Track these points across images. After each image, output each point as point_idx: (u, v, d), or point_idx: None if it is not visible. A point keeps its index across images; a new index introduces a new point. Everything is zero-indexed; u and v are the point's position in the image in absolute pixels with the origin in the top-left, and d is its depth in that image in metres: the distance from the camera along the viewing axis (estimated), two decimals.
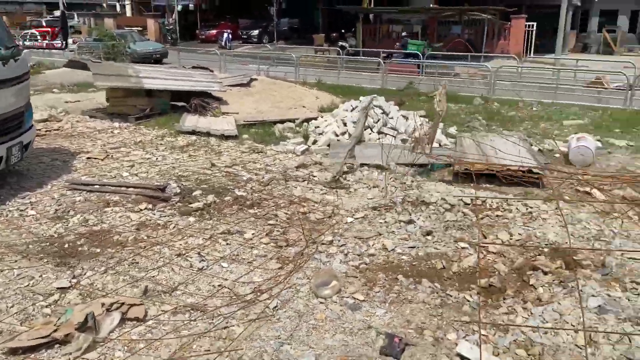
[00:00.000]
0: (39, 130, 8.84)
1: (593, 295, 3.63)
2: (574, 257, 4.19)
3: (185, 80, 10.78)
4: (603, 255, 4.24)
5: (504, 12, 24.18)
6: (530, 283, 3.84)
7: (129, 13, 42.64)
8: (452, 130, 9.06)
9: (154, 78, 10.20)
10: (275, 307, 3.48)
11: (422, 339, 3.14)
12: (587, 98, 12.63)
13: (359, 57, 20.06)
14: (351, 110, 8.97)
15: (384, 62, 15.44)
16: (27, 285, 3.67)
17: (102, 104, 11.69)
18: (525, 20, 24.28)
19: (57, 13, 46.50)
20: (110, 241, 4.47)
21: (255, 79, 13.25)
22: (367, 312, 3.44)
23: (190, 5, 35.22)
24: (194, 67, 15.80)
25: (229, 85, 11.94)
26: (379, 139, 8.15)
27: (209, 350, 2.98)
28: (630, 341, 3.09)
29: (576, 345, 3.08)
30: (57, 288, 3.64)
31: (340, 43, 26.60)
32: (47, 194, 5.59)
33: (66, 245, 4.34)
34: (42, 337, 2.90)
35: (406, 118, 8.90)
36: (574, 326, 3.25)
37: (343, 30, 28.64)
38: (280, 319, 3.35)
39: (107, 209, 5.21)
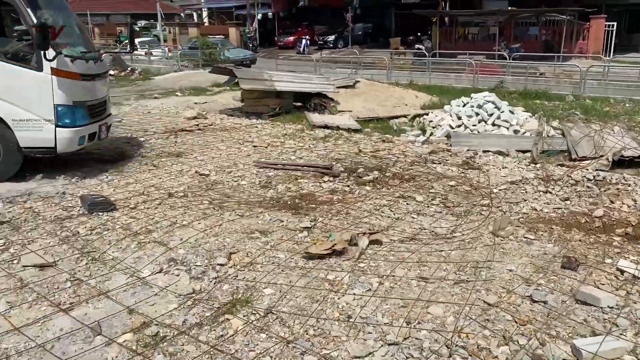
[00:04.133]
0: (197, 125, 10.58)
1: None
2: None
3: (306, 83, 12.31)
4: None
5: (582, 12, 24.58)
6: None
7: (206, 21, 45.40)
8: (555, 123, 10.09)
9: (283, 81, 11.78)
10: (469, 241, 4.78)
11: (588, 260, 4.35)
12: None
13: (445, 59, 21.10)
14: (463, 106, 10.17)
15: (475, 63, 16.50)
16: (282, 224, 5.14)
17: (228, 104, 13.46)
18: (605, 20, 24.57)
19: (142, 23, 49.98)
20: (318, 201, 5.91)
21: (358, 81, 14.65)
22: (539, 246, 4.68)
23: (269, 13, 37.29)
24: (287, 71, 17.47)
25: (338, 87, 13.38)
26: (492, 130, 9.33)
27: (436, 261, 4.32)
28: None
29: None
30: (303, 227, 5.07)
31: (417, 46, 27.72)
32: (246, 171, 7.14)
33: (289, 202, 5.82)
34: (327, 249, 4.32)
35: (512, 112, 10.01)
36: None
37: (419, 34, 29.73)
38: (476, 248, 4.64)
39: (298, 180, 6.69)
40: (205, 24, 42.69)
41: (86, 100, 6.73)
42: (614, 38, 24.67)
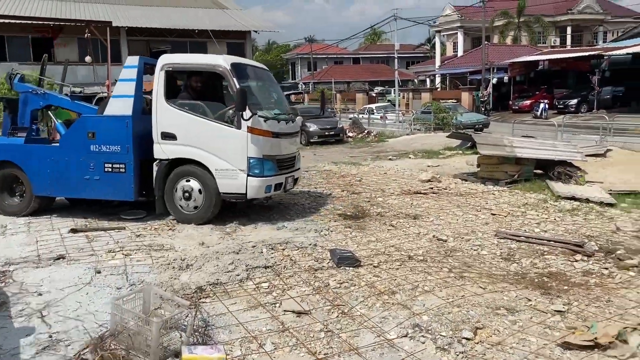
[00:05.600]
0: (432, 188, 10.70)
1: None
2: None
3: (549, 150, 11.57)
4: None
5: None
6: None
7: (439, 87, 46.46)
8: None
9: (525, 148, 11.27)
10: None
11: None
12: None
13: None
14: None
15: None
16: (530, 303, 4.77)
17: (462, 168, 13.33)
18: None
19: (378, 89, 53.44)
20: (570, 282, 5.36)
21: (610, 150, 13.23)
22: None
23: (504, 78, 36.52)
24: (523, 136, 16.60)
25: (587, 155, 12.25)
26: None
27: None
28: None
29: None
30: (555, 310, 4.62)
31: None
32: (485, 240, 6.91)
33: (535, 280, 5.40)
34: (589, 341, 3.85)
35: None
36: None
37: None
38: None
39: (545, 256, 6.20)
40: (438, 89, 43.71)
41: (275, 155, 7.69)
42: None
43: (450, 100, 31.58)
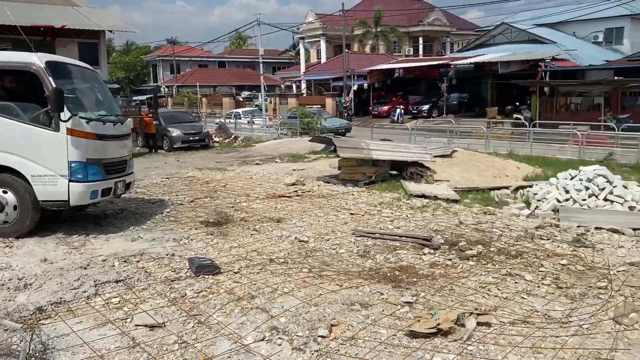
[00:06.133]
0: (296, 191, 10.86)
1: None
2: None
3: (403, 152, 12.35)
4: None
5: None
6: None
7: (304, 92, 47.55)
8: None
9: (380, 150, 11.91)
10: (587, 327, 4.37)
11: None
12: None
13: (547, 129, 20.46)
14: (570, 179, 9.65)
15: (580, 133, 15.79)
16: (382, 297, 5.02)
17: (325, 171, 13.74)
18: None
19: (246, 94, 53.27)
20: (418, 274, 5.74)
21: (456, 151, 14.47)
22: None
23: (364, 84, 38.39)
24: (380, 140, 17.63)
25: (436, 156, 13.26)
26: (604, 205, 8.72)
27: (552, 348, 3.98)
28: None
29: None
30: (404, 302, 4.91)
31: (515, 115, 27.19)
32: (343, 239, 7.16)
33: (388, 274, 5.70)
34: (432, 328, 4.14)
35: (625, 187, 9.33)
36: None
37: (517, 103, 29.13)
38: (595, 336, 4.23)
39: (397, 251, 6.58)
40: (304, 95, 44.68)
41: (101, 158, 7.31)
42: None
43: (315, 106, 32.41)
